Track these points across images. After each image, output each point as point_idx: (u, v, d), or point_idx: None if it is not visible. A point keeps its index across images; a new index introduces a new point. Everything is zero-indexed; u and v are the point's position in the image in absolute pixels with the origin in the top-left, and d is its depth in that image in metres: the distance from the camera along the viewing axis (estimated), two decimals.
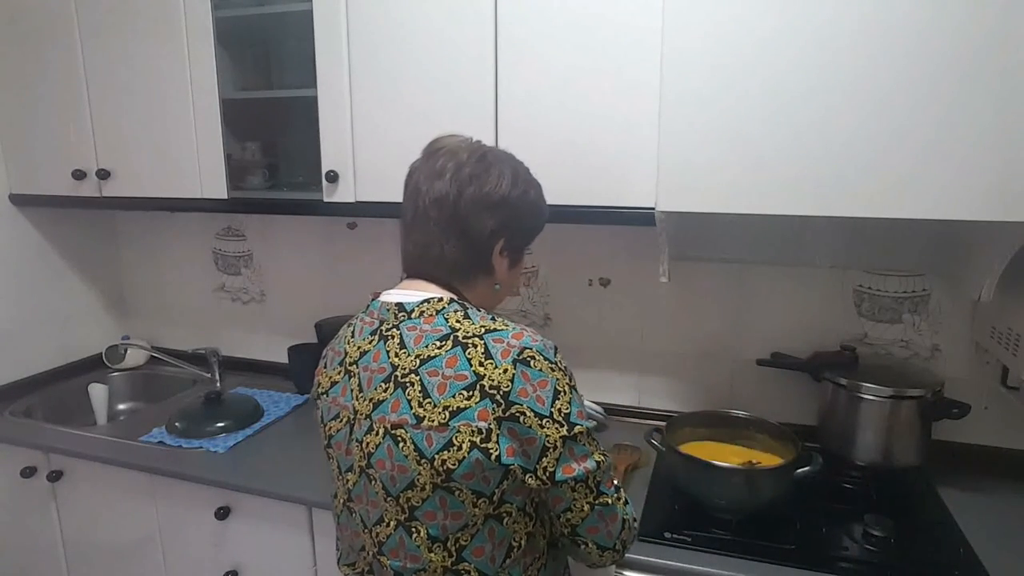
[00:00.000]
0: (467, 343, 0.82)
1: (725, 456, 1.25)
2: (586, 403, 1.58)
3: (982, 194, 0.99)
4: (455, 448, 0.79)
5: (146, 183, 1.67)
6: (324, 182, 1.48)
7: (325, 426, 0.94)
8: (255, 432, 1.62)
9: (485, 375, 0.80)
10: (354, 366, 0.90)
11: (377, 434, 0.84)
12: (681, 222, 1.23)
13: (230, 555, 1.48)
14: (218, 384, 1.98)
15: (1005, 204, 0.98)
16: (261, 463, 1.48)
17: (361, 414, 0.87)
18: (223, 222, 2.04)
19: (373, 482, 0.86)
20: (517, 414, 0.79)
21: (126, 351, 2.08)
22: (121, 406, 2.07)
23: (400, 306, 0.89)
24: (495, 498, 0.82)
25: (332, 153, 1.47)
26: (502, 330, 0.84)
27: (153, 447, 1.56)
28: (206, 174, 1.60)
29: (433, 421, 0.80)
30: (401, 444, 0.82)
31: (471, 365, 0.80)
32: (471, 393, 0.79)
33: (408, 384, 0.83)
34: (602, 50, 1.25)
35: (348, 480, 0.91)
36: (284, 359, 1.93)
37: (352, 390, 0.90)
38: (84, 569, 1.69)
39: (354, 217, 1.83)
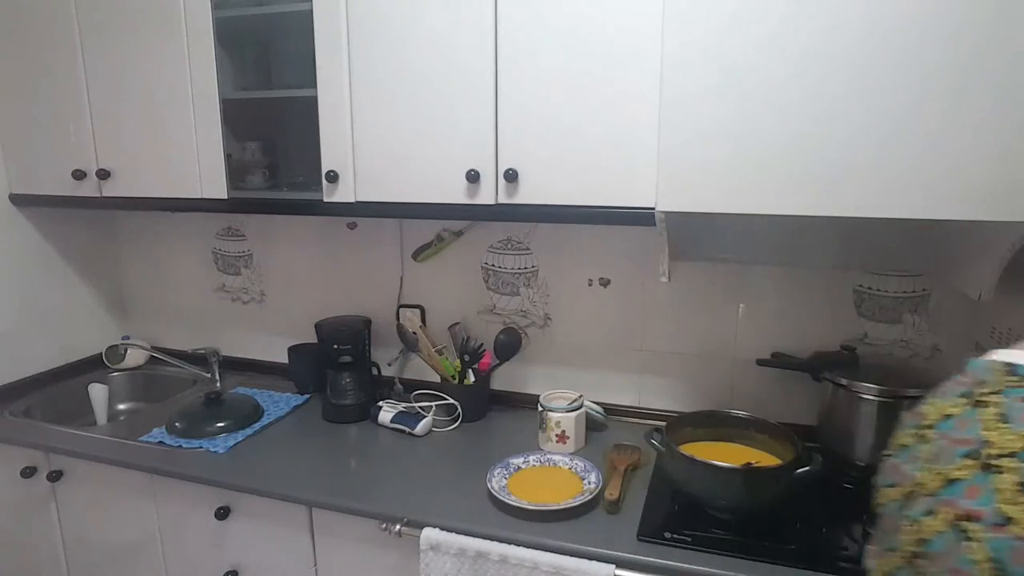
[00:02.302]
0: None
1: (725, 456, 1.24)
2: (586, 403, 1.60)
3: (981, 194, 0.99)
4: None
5: (146, 183, 1.67)
6: (324, 182, 1.48)
7: (878, 490, 0.76)
8: (255, 432, 1.62)
9: None
10: (929, 430, 0.74)
11: (938, 519, 0.68)
12: (681, 222, 1.23)
13: (230, 555, 1.48)
14: (218, 384, 1.98)
15: (1005, 204, 0.98)
16: (261, 463, 1.48)
17: (924, 489, 0.71)
18: (223, 222, 2.04)
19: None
20: None
21: (126, 351, 2.09)
22: (121, 406, 2.07)
23: (1011, 368, 0.67)
24: None
25: (332, 153, 1.47)
26: None
27: (153, 447, 1.56)
28: (206, 174, 1.60)
29: None
30: (967, 544, 0.64)
31: None
32: None
33: (999, 470, 0.62)
34: (603, 50, 1.24)
35: (888, 562, 0.74)
36: (284, 359, 1.93)
37: (920, 458, 0.71)
38: (84, 569, 1.69)
39: (354, 217, 1.83)
